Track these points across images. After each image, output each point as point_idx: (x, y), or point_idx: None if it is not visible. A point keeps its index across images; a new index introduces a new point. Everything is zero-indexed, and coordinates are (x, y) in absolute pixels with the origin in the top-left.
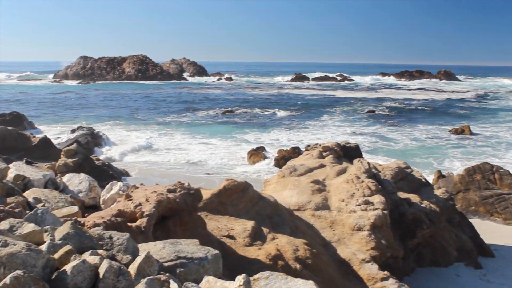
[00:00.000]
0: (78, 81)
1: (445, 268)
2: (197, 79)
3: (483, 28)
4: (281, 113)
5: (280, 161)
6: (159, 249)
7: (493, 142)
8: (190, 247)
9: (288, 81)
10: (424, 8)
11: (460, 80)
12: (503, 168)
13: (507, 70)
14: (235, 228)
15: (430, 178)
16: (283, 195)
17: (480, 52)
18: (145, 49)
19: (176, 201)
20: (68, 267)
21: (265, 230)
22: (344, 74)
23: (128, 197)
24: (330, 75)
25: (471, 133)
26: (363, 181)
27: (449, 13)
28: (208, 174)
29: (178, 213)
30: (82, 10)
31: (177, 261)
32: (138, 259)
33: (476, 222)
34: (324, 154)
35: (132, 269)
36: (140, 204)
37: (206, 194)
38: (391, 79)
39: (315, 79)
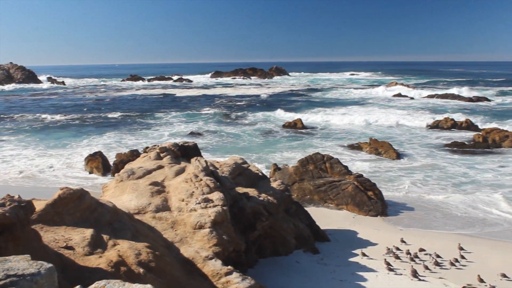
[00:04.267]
0: None
1: (286, 257)
2: (27, 85)
3: (311, 27)
4: (118, 116)
5: (119, 165)
6: None
7: (322, 132)
8: (21, 264)
9: (124, 81)
10: (257, 9)
11: (290, 76)
12: (333, 157)
13: (335, 65)
14: (73, 238)
15: (268, 171)
16: (122, 199)
17: (311, 49)
18: None
19: (6, 215)
20: None
21: (105, 237)
22: (180, 74)
23: None
24: (166, 75)
25: (303, 126)
26: (201, 180)
27: (280, 12)
28: (41, 183)
29: (9, 228)
30: None
31: (7, 280)
32: None
33: (311, 209)
34: (161, 155)
35: None
36: None
37: (40, 205)
38: (225, 78)
39: (151, 79)
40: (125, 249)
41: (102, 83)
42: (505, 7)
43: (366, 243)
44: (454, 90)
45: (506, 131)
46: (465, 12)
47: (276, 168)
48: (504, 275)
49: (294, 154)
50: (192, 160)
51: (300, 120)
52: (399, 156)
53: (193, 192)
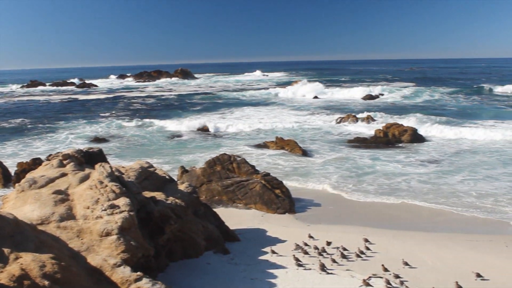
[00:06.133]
0: None
1: (196, 259)
2: None
3: (222, 28)
4: (19, 123)
5: (21, 174)
6: None
7: (229, 133)
8: None
9: (23, 88)
10: (161, 10)
11: (197, 78)
12: (240, 157)
13: (246, 66)
14: None
15: (176, 174)
16: (24, 210)
17: (221, 50)
18: None
19: None
20: None
21: (6, 250)
22: (83, 79)
23: None
24: (69, 80)
25: (209, 128)
26: (106, 185)
27: (186, 12)
28: None
29: None
30: None
31: None
32: None
33: (220, 210)
34: (65, 162)
35: None
36: None
37: None
38: (130, 81)
39: (53, 84)
40: (28, 261)
41: None
42: (416, 9)
43: (275, 241)
44: (357, 88)
45: (404, 126)
46: (378, 12)
47: (184, 170)
48: (406, 263)
49: (202, 155)
50: (97, 166)
51: (206, 122)
52: (305, 153)
53: (98, 198)
